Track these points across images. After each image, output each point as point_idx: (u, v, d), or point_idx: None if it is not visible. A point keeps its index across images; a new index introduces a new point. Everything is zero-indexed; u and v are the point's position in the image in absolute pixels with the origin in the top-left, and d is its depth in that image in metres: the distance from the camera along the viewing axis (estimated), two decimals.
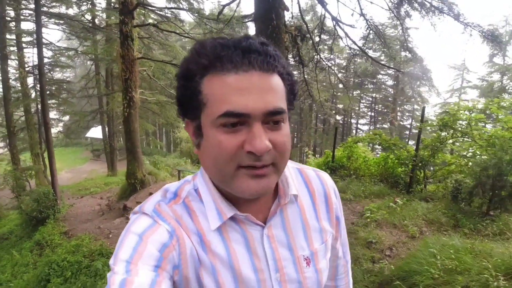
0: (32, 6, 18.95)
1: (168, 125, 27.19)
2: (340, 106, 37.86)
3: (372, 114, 37.90)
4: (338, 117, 39.55)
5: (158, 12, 12.81)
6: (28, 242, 11.31)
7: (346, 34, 8.53)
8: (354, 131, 38.53)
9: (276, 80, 0.63)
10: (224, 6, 8.89)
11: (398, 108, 32.21)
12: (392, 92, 33.66)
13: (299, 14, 8.54)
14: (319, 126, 35.29)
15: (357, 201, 6.49)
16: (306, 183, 0.86)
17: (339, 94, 35.83)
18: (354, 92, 37.04)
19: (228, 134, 0.61)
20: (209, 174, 0.72)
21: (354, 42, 8.88)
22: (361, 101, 38.29)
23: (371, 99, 37.42)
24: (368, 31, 8.38)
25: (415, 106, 34.06)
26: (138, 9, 11.33)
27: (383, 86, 35.43)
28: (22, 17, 18.88)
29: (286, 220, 0.78)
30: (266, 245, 0.74)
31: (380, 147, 7.93)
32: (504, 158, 4.30)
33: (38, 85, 21.67)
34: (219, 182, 0.69)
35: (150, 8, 12.71)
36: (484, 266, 2.97)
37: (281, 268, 0.75)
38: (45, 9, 18.18)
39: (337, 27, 8.45)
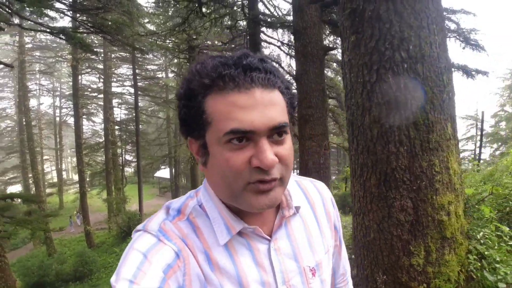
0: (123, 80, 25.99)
1: None
2: None
3: None
4: None
5: None
6: (124, 244, 16.15)
7: None
8: None
9: (277, 96, 0.63)
10: None
11: None
12: None
13: None
14: None
15: None
16: (306, 194, 0.85)
17: None
18: None
19: (234, 151, 0.60)
20: (216, 191, 0.70)
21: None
22: None
23: None
24: None
25: None
26: None
27: None
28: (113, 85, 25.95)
29: (290, 232, 0.77)
30: (273, 258, 0.73)
31: None
32: None
33: (124, 136, 28.25)
34: (227, 198, 0.67)
35: None
36: None
37: (288, 280, 0.74)
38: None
39: None
